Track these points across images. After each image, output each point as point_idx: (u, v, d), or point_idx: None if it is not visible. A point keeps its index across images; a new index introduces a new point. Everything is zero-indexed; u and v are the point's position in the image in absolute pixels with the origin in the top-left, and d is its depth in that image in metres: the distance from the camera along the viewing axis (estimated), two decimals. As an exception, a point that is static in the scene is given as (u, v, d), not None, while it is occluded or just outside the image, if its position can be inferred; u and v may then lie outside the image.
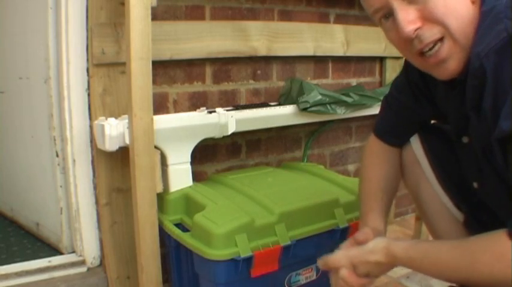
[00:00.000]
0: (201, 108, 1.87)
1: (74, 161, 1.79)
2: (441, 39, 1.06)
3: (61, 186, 1.90)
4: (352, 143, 2.55)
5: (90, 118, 1.75)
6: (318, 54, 2.26)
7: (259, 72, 2.14)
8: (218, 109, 1.84)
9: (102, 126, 1.59)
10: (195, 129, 1.75)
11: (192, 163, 1.76)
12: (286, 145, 2.29)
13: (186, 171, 1.75)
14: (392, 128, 1.48)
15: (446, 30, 1.05)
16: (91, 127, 1.74)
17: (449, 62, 1.08)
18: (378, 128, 1.51)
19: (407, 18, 1.05)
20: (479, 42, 1.01)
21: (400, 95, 1.43)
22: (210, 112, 1.81)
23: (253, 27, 2.04)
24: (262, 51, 2.07)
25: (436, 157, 1.44)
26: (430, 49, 1.08)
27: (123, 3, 1.57)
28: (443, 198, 1.44)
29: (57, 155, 1.89)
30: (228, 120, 1.81)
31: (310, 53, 2.24)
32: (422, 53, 1.09)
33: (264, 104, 2.05)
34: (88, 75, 1.74)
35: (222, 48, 1.96)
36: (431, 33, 1.06)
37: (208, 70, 1.99)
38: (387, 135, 1.48)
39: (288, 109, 2.02)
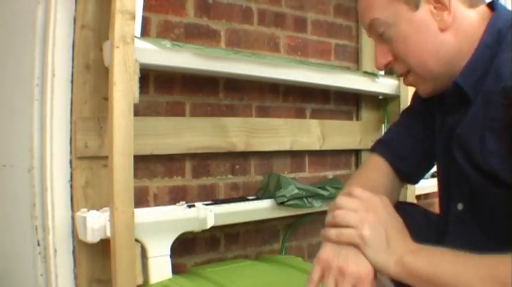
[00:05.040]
0: (181, 202, 1.90)
1: (55, 250, 1.79)
2: (409, 71, 1.19)
3: (41, 275, 1.89)
4: (328, 235, 2.56)
5: (72, 209, 1.76)
6: (295, 149, 2.32)
7: (237, 167, 2.19)
8: (197, 204, 1.87)
9: (84, 218, 1.61)
10: (175, 223, 1.77)
11: (171, 256, 1.77)
12: (264, 238, 2.32)
13: (166, 264, 1.75)
14: (396, 144, 1.38)
15: (410, 66, 1.17)
16: (73, 218, 1.75)
17: (419, 87, 1.23)
18: (377, 144, 1.42)
19: (381, 53, 1.19)
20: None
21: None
22: (190, 206, 1.84)
23: (232, 123, 2.10)
24: (241, 147, 2.12)
25: None
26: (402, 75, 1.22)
27: (106, 98, 1.63)
28: None
29: (38, 244, 1.89)
30: (207, 215, 1.83)
31: (287, 147, 2.29)
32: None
33: (242, 199, 2.09)
34: (71, 167, 1.76)
35: (201, 143, 2.01)
36: (399, 67, 1.20)
37: (188, 165, 2.04)
38: (390, 150, 1.37)
39: (266, 203, 2.06)
